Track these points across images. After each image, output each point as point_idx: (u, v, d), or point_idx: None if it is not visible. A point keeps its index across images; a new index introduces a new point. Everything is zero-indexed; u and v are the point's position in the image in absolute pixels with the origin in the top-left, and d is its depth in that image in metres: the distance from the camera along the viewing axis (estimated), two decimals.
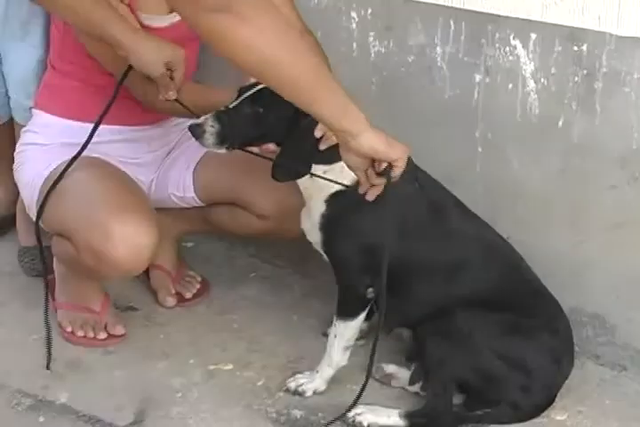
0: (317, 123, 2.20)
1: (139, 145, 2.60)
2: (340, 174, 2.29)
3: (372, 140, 2.00)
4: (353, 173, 2.19)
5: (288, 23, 1.94)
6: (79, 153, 2.42)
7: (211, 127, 2.23)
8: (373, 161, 2.07)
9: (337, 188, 2.30)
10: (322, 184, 2.30)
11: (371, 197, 2.13)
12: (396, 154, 2.03)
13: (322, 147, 2.25)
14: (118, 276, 2.53)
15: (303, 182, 2.32)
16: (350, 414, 2.36)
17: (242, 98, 2.26)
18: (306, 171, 2.27)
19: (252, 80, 2.27)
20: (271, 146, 2.28)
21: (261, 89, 2.25)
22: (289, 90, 1.93)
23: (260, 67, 1.89)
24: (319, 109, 1.96)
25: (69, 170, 2.45)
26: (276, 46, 1.87)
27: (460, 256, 2.38)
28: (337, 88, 1.96)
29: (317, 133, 2.23)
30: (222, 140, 2.24)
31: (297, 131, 2.24)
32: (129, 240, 2.37)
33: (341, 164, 2.26)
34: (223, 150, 2.27)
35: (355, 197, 2.28)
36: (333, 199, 2.32)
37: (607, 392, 2.49)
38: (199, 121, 2.24)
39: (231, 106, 2.26)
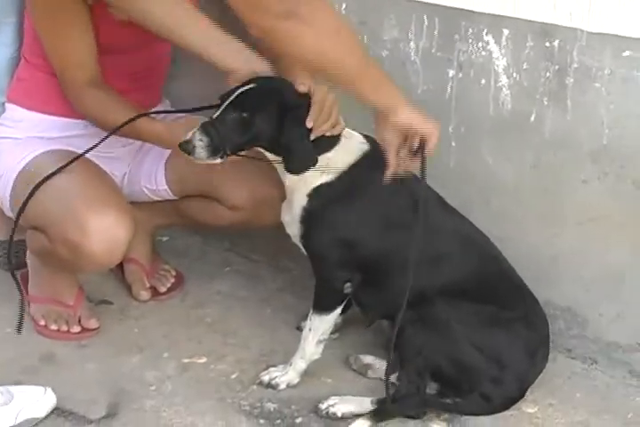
0: (306, 115, 2.22)
1: (112, 139, 2.60)
2: (326, 166, 2.31)
3: (408, 113, 2.19)
4: (338, 166, 2.25)
5: (341, 19, 2.11)
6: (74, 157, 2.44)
7: (200, 141, 2.22)
8: (406, 140, 2.22)
9: (321, 181, 2.32)
10: (307, 177, 2.31)
11: (399, 169, 2.27)
12: (430, 126, 2.20)
13: (312, 137, 2.26)
14: (94, 269, 2.53)
15: (290, 176, 2.33)
16: (323, 406, 2.38)
17: (224, 105, 2.25)
18: (316, 158, 2.27)
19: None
20: None
21: (241, 93, 2.24)
22: (340, 79, 2.14)
23: (318, 64, 2.08)
24: (366, 92, 2.16)
25: (44, 164, 2.46)
26: (335, 45, 2.05)
27: (440, 250, 2.39)
28: (379, 70, 2.18)
29: (309, 124, 2.24)
30: (214, 151, 2.24)
31: (287, 126, 2.23)
32: (105, 233, 2.38)
33: (327, 155, 2.29)
34: (218, 160, 2.26)
35: (337, 191, 2.31)
36: (316, 193, 2.33)
37: (578, 385, 2.51)
38: (187, 137, 2.23)
39: (215, 116, 2.25)
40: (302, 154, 2.27)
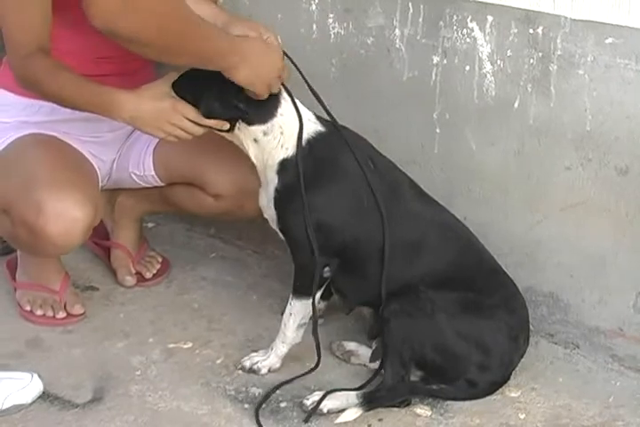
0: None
1: (99, 124, 2.60)
2: (280, 135, 2.32)
3: (244, 75, 2.25)
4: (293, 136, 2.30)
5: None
6: None
7: None
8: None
9: (282, 156, 2.33)
10: (268, 149, 2.33)
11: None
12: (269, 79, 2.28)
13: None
14: (53, 251, 2.51)
15: (252, 150, 2.35)
16: (309, 402, 2.36)
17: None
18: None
19: None
20: None
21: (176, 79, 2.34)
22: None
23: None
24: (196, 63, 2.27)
25: (20, 147, 2.49)
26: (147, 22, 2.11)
27: (417, 236, 2.40)
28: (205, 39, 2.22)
29: None
30: None
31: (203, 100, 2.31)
32: (61, 215, 2.38)
33: (278, 121, 2.31)
34: None
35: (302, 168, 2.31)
36: (282, 169, 2.34)
37: (560, 370, 2.53)
38: None
39: None
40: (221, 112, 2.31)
